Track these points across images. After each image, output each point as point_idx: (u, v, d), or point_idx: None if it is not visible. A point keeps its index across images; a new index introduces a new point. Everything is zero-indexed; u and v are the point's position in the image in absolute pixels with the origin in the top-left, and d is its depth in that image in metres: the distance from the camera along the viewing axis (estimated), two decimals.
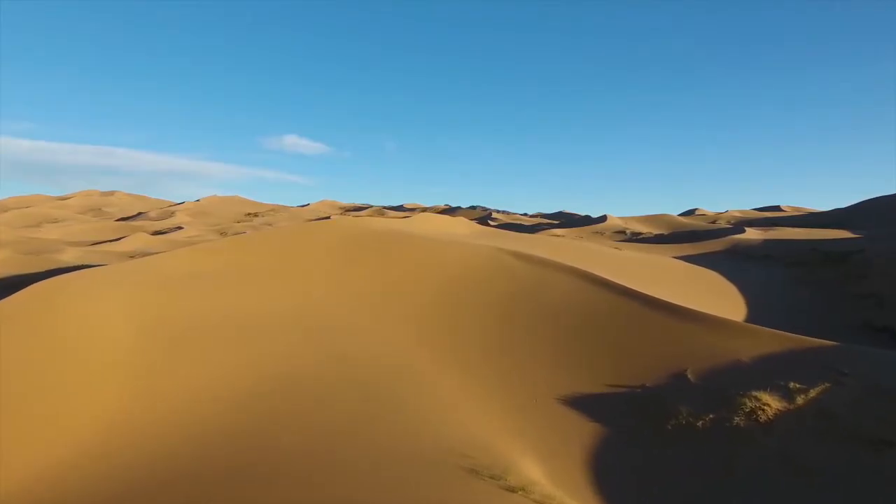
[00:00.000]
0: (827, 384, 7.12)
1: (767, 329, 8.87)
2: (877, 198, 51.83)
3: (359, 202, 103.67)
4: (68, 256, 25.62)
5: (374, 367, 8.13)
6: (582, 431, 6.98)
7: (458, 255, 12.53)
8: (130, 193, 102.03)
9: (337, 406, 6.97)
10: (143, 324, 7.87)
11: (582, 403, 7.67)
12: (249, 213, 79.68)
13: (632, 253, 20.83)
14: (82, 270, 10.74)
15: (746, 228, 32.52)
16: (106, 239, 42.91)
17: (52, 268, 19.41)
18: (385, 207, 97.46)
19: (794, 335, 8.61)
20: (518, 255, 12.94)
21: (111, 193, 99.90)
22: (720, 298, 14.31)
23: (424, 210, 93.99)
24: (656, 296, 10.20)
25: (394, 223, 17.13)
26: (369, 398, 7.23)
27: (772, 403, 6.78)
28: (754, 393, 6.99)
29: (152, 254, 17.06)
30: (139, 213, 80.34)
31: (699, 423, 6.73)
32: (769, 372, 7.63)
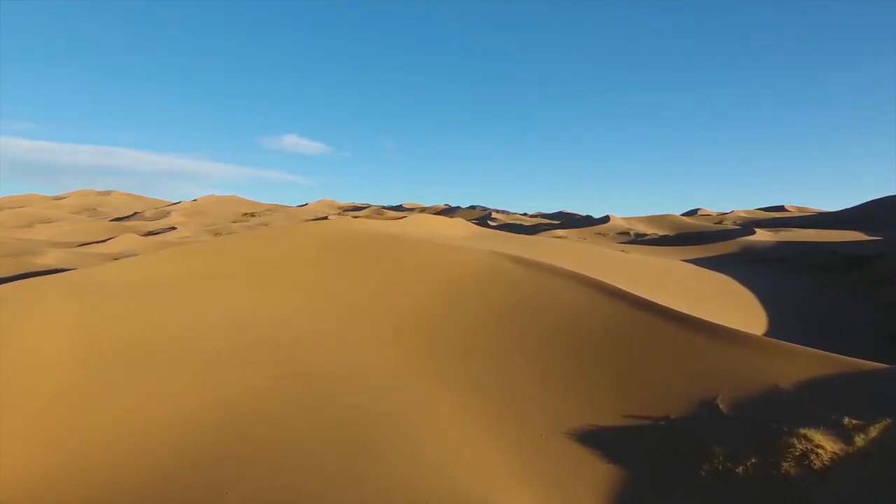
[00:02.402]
0: (888, 420, 5.98)
1: (807, 348, 7.72)
2: (887, 197, 50.66)
3: (358, 202, 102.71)
4: (48, 259, 24.50)
5: (354, 397, 6.99)
6: (597, 477, 5.84)
7: (453, 261, 11.39)
8: (127, 193, 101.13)
9: (307, 451, 5.85)
10: (80, 344, 6.74)
11: (595, 439, 6.53)
12: (246, 213, 78.70)
13: (640, 256, 19.67)
14: (33, 279, 9.61)
15: (756, 230, 31.34)
16: (96, 240, 41.81)
17: (23, 272, 18.30)
18: (384, 207, 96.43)
19: (838, 356, 7.47)
20: (518, 261, 11.80)
21: (107, 193, 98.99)
22: (739, 308, 13.17)
23: (423, 210, 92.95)
24: (674, 307, 9.05)
25: (385, 225, 16.03)
26: (346, 439, 6.10)
27: (826, 445, 5.63)
28: (803, 431, 5.84)
29: (136, 255, 15.91)
30: (135, 213, 79.41)
31: (739, 469, 5.58)
32: (815, 402, 6.50)
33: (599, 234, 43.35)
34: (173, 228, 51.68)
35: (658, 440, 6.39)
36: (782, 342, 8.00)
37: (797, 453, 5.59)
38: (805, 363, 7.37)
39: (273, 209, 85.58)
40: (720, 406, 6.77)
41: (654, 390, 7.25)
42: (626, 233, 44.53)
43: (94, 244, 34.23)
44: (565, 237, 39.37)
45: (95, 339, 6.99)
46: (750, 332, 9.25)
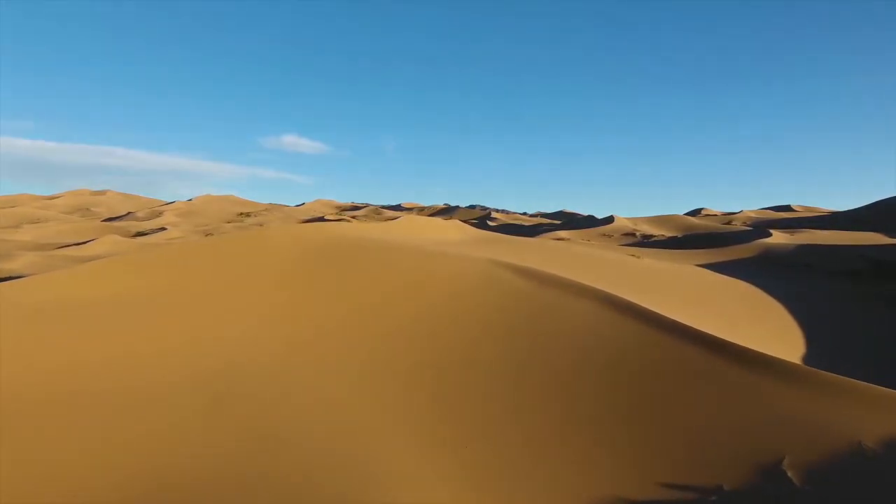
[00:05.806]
0: None
1: (891, 391, 6.07)
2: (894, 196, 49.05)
3: (358, 201, 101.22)
4: (18, 263, 22.91)
5: (309, 444, 5.34)
6: None
7: (443, 272, 9.75)
8: (122, 192, 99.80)
9: None
10: None
11: None
12: (242, 213, 77.26)
13: (654, 262, 18.00)
14: None
15: (771, 231, 29.63)
16: (81, 241, 40.23)
17: None
18: (383, 207, 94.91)
19: None
20: (520, 272, 10.15)
21: (102, 193, 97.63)
22: (778, 330, 11.49)
23: (422, 210, 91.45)
24: (715, 334, 7.40)
25: (371, 230, 14.43)
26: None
27: None
28: None
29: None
30: (128, 213, 78.01)
31: None
32: None
33: (604, 235, 41.68)
34: (163, 229, 50.16)
35: None
36: (857, 381, 6.35)
37: None
38: (892, 410, 5.74)
39: (269, 209, 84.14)
40: (788, 474, 5.12)
41: (700, 449, 5.60)
42: (632, 234, 42.84)
43: (72, 246, 32.64)
44: (568, 239, 37.71)
45: None
46: (802, 364, 7.62)
